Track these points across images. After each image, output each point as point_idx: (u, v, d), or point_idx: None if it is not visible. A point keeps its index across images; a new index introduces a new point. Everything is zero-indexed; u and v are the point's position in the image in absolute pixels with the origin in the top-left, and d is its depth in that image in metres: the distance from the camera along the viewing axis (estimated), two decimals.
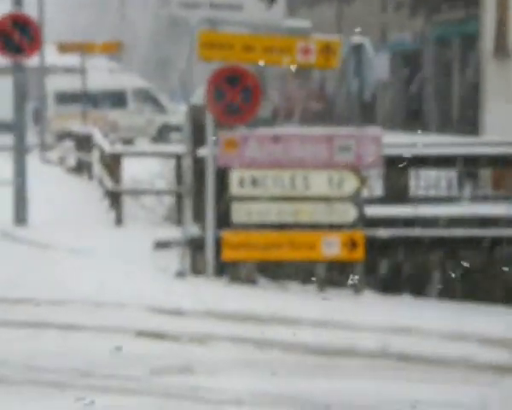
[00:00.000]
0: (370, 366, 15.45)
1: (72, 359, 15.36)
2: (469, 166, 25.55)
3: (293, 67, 22.89)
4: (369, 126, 23.56)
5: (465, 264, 20.36)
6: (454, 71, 43.94)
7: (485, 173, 25.59)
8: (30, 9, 28.63)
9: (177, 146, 26.00)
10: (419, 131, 39.09)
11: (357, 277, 19.86)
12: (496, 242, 20.76)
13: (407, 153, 23.07)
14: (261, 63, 22.00)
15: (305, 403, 13.04)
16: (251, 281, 19.67)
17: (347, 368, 15.37)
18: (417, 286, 20.27)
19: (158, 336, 16.64)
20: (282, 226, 20.23)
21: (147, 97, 48.67)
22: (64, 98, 46.23)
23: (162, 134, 39.33)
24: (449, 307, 19.63)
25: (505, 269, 20.26)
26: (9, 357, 15.29)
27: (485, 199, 24.07)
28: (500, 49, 34.78)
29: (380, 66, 46.94)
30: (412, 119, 46.50)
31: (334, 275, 20.12)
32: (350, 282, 19.90)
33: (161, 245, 22.80)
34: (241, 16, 21.60)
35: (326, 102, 48.72)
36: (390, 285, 20.46)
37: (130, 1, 79.79)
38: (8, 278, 19.73)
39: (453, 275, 20.29)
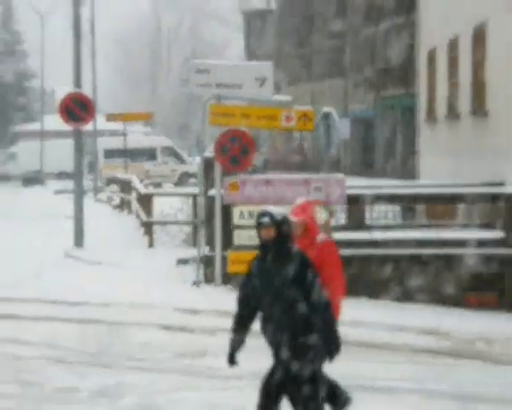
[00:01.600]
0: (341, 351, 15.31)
1: (117, 346, 15.58)
2: (409, 202, 25.63)
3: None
4: (335, 173, 23.55)
5: (407, 274, 20.50)
6: (397, 132, 44.24)
7: (420, 207, 25.62)
8: (86, 87, 28.69)
9: (194, 188, 26.18)
10: (372, 177, 39.69)
11: None
12: (429, 258, 20.79)
13: (364, 193, 23.18)
14: (255, 127, 21.99)
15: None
16: None
17: None
18: (372, 291, 20.42)
19: (179, 329, 16.99)
20: None
21: (171, 153, 49.30)
22: (110, 154, 46.72)
23: (182, 180, 39.98)
24: (395, 307, 19.82)
25: (436, 278, 20.43)
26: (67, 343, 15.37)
27: (420, 226, 24.13)
28: (430, 117, 35.00)
29: (342, 128, 47.27)
30: (366, 167, 46.79)
31: None
32: None
33: (182, 262, 23.11)
34: (240, 93, 21.77)
35: (303, 155, 48.90)
36: (351, 291, 20.43)
37: (160, 80, 79.67)
38: (69, 286, 19.76)
39: (398, 283, 20.35)
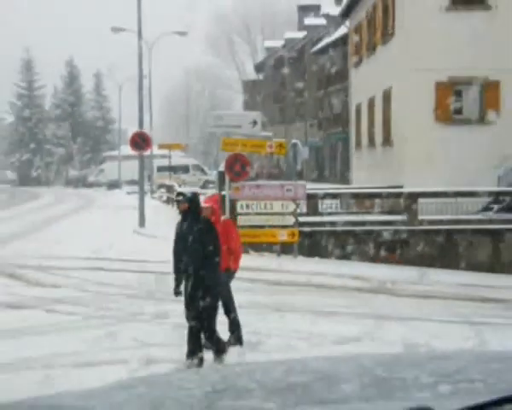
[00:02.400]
0: (302, 290, 15.51)
1: (164, 287, 13.60)
2: (345, 198, 25.69)
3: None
4: (299, 181, 23.61)
5: (345, 243, 20.65)
6: (337, 155, 43.64)
7: (352, 201, 25.39)
8: (146, 126, 28.49)
9: (212, 190, 25.67)
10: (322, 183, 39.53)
11: (297, 249, 20.09)
12: (358, 232, 20.88)
13: (317, 192, 23.43)
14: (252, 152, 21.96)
15: (273, 305, 13.38)
16: (246, 252, 19.65)
17: (291, 291, 15.43)
18: (323, 253, 20.34)
19: None
20: (261, 227, 20.36)
21: (198, 168, 48.88)
22: (161, 169, 46.48)
23: (205, 185, 39.58)
24: (337, 263, 19.55)
25: (363, 245, 20.55)
26: (134, 285, 15.41)
27: (352, 213, 23.98)
28: (357, 146, 34.57)
29: (304, 153, 47.00)
30: (319, 177, 46.64)
31: (284, 249, 20.17)
32: (292, 251, 20.10)
33: None
34: (241, 131, 21.88)
35: (280, 169, 48.80)
36: (310, 253, 20.47)
37: (191, 122, 79.57)
38: (134, 250, 19.72)
39: (339, 248, 20.49)
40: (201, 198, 10.00)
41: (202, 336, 9.04)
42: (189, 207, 9.18)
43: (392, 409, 1.27)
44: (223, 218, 10.77)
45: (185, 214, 9.33)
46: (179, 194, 9.59)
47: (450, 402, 1.28)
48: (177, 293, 9.24)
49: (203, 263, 8.85)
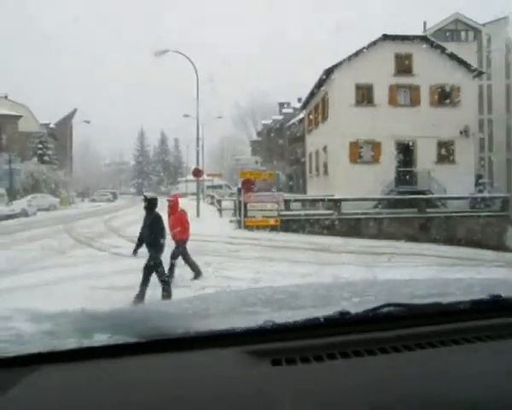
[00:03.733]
0: (282, 250, 14.95)
1: (209, 249, 14.52)
2: (304, 201, 25.58)
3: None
4: (280, 192, 23.58)
5: (305, 225, 20.43)
6: (299, 179, 42.73)
7: (314, 203, 24.95)
8: (200, 163, 28.05)
9: (234, 197, 24.41)
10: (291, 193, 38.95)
11: (279, 228, 19.74)
12: (311, 219, 20.66)
13: (289, 198, 23.26)
14: (255, 178, 21.85)
15: (266, 257, 13.11)
16: (252, 230, 19.37)
17: (276, 250, 14.77)
18: (293, 230, 19.80)
19: (229, 243, 16.02)
20: (261, 216, 20.01)
21: (227, 186, 47.51)
22: (208, 186, 45.17)
23: (230, 195, 38.83)
24: (302, 236, 18.98)
25: (316, 226, 20.19)
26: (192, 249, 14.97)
27: (308, 209, 23.86)
28: (310, 173, 34.27)
29: (282, 178, 46.19)
30: (290, 190, 45.57)
31: (272, 228, 19.65)
32: (277, 229, 19.71)
33: (231, 221, 21.63)
34: (249, 166, 21.64)
35: (270, 187, 48.19)
36: (286, 230, 20.14)
37: (224, 161, 78.41)
38: (191, 229, 19.27)
39: (302, 227, 20.20)
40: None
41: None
42: (148, 205, 8.05)
43: (329, 311, 1.21)
44: (179, 209, 9.75)
45: (147, 209, 8.21)
46: (144, 197, 8.39)
47: (360, 308, 1.24)
48: (134, 253, 8.02)
49: (152, 243, 7.75)
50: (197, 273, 9.75)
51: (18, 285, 8.23)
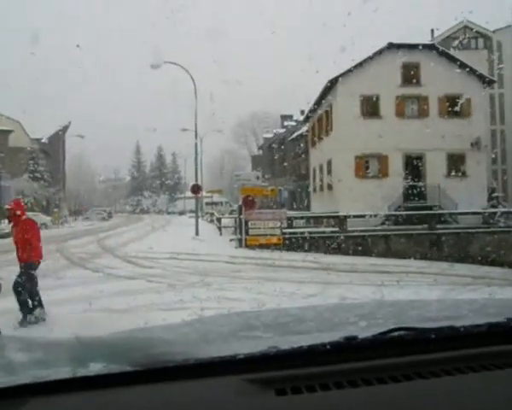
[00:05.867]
0: (285, 269, 14.96)
1: (209, 268, 14.79)
2: (309, 218, 25.56)
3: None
4: (282, 209, 23.56)
5: (310, 243, 20.36)
6: (303, 195, 42.68)
7: (319, 221, 25.00)
8: (199, 180, 28.23)
9: (235, 215, 24.43)
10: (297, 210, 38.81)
11: (281, 247, 19.67)
12: (317, 237, 20.64)
13: (292, 215, 23.18)
14: (256, 195, 21.85)
15: (268, 278, 13.12)
16: (253, 249, 19.34)
17: (279, 270, 14.81)
18: (296, 249, 19.68)
19: (229, 262, 16.17)
20: (263, 235, 20.01)
21: (227, 203, 48.02)
22: (207, 203, 45.29)
23: (231, 213, 38.48)
24: (305, 254, 18.26)
25: (322, 245, 20.16)
26: (192, 267, 14.97)
27: (313, 226, 23.78)
28: (314, 190, 34.17)
29: (285, 194, 46.16)
30: (292, 207, 45.23)
31: (274, 247, 19.73)
32: (279, 248, 19.63)
33: (232, 240, 21.67)
34: (250, 183, 21.61)
35: (272, 203, 48.30)
36: (289, 249, 20.04)
37: (224, 177, 78.43)
38: (190, 248, 18.85)
39: (308, 245, 20.14)
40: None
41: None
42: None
43: (335, 336, 1.20)
44: (24, 217, 7.96)
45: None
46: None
47: (368, 332, 1.23)
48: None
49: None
50: (24, 318, 7.61)
51: (7, 308, 8.18)
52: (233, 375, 1.06)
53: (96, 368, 1.05)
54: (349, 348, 1.17)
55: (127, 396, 0.99)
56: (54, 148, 57.12)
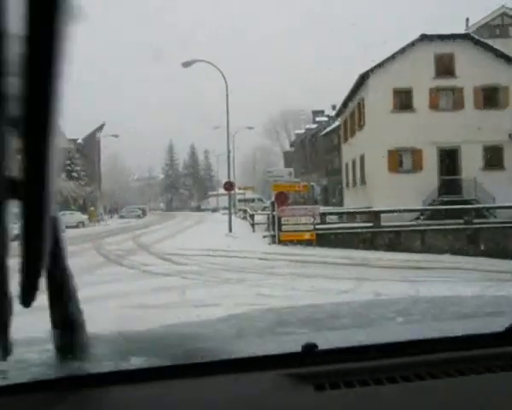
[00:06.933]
0: (319, 265, 14.92)
1: (243, 265, 14.75)
2: (341, 214, 25.38)
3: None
4: (315, 205, 23.47)
5: (344, 238, 20.23)
6: (335, 190, 42.49)
7: (352, 216, 24.77)
8: (231, 177, 28.37)
9: (268, 212, 24.60)
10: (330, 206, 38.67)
11: (314, 243, 19.59)
12: (352, 232, 20.47)
13: (326, 211, 23.13)
14: (289, 191, 21.78)
15: (303, 274, 13.06)
16: (286, 245, 19.33)
17: (313, 266, 14.77)
18: (329, 245, 19.54)
19: (263, 259, 15.95)
20: (296, 231, 19.97)
21: (260, 200, 47.21)
22: (240, 200, 45.26)
23: (264, 209, 38.09)
24: (338, 250, 18.59)
25: (356, 239, 19.96)
26: (224, 264, 14.90)
27: (346, 222, 23.58)
28: (347, 186, 34.00)
29: (317, 190, 45.98)
30: (325, 202, 45.04)
31: (308, 243, 19.63)
32: (312, 244, 19.57)
33: (265, 236, 21.62)
34: (283, 179, 21.56)
35: (304, 199, 47.99)
36: (322, 245, 19.97)
37: (257, 174, 77.97)
38: (224, 244, 18.98)
39: (341, 240, 19.98)
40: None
41: None
42: None
43: (371, 332, 1.24)
44: None
45: None
46: None
47: (405, 328, 1.23)
48: None
49: None
50: None
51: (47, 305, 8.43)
52: (271, 370, 1.06)
53: (137, 362, 1.07)
54: (387, 344, 1.15)
55: (167, 390, 1.01)
56: (89, 148, 58.48)
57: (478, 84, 25.86)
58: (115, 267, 14.91)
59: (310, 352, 1.11)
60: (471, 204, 23.75)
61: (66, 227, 35.39)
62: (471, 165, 25.69)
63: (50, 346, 1.05)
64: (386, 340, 1.18)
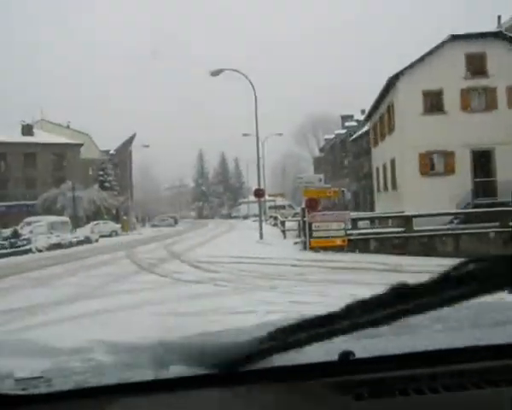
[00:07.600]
0: (350, 271, 14.77)
1: (273, 272, 14.70)
2: (372, 219, 25.13)
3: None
4: (346, 211, 23.24)
5: (373, 243, 19.92)
6: (366, 195, 42.12)
7: (383, 221, 24.55)
8: (261, 184, 28.31)
9: (298, 218, 24.64)
10: (360, 211, 38.24)
11: (345, 249, 19.42)
12: (383, 237, 20.19)
13: (356, 216, 22.88)
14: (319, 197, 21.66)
15: (333, 280, 12.92)
16: (318, 251, 19.25)
17: (343, 272, 14.55)
18: (361, 250, 19.41)
19: (294, 265, 15.87)
20: (327, 237, 19.83)
21: (290, 206, 47.09)
22: (270, 207, 45.32)
23: (295, 215, 38.06)
24: (370, 255, 18.28)
25: (387, 243, 19.72)
26: (255, 271, 14.84)
27: (378, 227, 23.27)
28: (378, 189, 33.61)
29: (348, 195, 45.51)
30: (356, 207, 44.62)
31: (339, 249, 19.49)
32: (344, 250, 19.38)
33: (296, 243, 21.65)
34: (314, 185, 21.33)
35: (335, 205, 47.44)
36: (353, 251, 19.76)
37: (286, 180, 78.06)
38: (255, 251, 19.06)
39: (371, 246, 19.78)
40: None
41: None
42: None
43: (409, 340, 1.20)
44: None
45: None
46: None
47: (444, 336, 1.20)
48: None
49: None
50: None
51: (84, 312, 8.59)
52: (309, 380, 1.05)
53: (176, 371, 1.08)
54: (426, 352, 1.12)
55: (206, 399, 1.01)
56: (121, 158, 59.60)
57: (511, 83, 25.33)
58: (147, 275, 15.04)
59: (347, 360, 1.09)
60: (507, 206, 23.18)
61: (100, 236, 36.28)
62: (506, 167, 25.00)
63: (93, 355, 1.08)
64: (425, 348, 1.15)
